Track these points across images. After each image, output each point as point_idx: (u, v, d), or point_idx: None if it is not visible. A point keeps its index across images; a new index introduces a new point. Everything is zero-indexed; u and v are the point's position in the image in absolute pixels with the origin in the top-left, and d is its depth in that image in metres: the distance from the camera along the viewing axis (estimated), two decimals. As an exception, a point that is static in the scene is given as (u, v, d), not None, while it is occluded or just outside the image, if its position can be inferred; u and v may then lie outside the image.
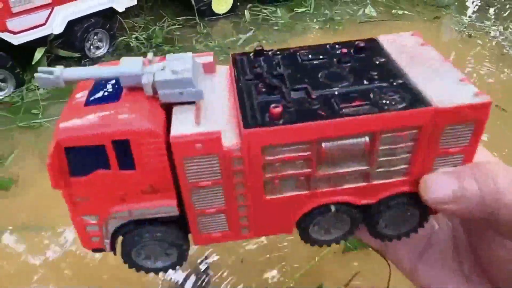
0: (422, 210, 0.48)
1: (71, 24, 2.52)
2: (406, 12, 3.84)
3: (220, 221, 0.49)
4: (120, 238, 0.51)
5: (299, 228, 0.49)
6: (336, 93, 0.41)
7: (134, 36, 2.94)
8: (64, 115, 0.43)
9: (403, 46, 0.48)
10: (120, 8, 2.77)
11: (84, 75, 0.45)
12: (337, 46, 0.47)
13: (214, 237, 0.49)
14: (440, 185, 0.41)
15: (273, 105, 0.41)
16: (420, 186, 0.43)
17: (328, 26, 3.50)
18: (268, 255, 1.50)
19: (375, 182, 0.45)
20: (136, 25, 3.05)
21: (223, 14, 3.44)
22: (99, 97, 0.45)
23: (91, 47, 2.72)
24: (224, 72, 0.51)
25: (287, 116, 0.40)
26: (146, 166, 0.43)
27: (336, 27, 3.49)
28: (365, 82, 0.42)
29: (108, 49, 2.81)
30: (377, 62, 0.45)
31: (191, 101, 0.44)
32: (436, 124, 0.40)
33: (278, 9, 3.63)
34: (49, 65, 2.55)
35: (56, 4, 2.39)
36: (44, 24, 2.39)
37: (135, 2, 2.88)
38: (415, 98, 0.40)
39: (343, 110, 0.40)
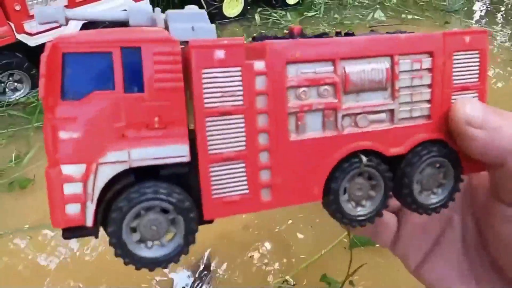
0: (456, 166, 0.44)
1: (86, 26, 2.56)
2: (415, 17, 3.86)
3: (239, 175, 0.38)
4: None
5: (329, 196, 0.41)
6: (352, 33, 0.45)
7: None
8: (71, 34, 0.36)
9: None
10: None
11: (87, 15, 0.39)
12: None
13: (230, 205, 0.38)
14: (476, 106, 0.40)
15: (292, 25, 0.39)
16: (456, 105, 0.41)
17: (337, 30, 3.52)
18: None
19: (401, 125, 0.42)
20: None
21: (233, 17, 3.47)
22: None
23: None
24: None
25: (307, 36, 0.40)
26: (156, 85, 0.35)
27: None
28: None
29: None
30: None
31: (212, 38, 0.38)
32: (445, 50, 0.41)
33: (287, 13, 3.66)
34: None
35: (72, 6, 2.43)
36: (59, 26, 2.42)
37: (148, 3, 2.92)
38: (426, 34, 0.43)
39: (361, 35, 0.41)
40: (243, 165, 0.38)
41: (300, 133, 0.39)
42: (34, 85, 2.40)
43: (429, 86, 0.42)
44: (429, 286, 0.50)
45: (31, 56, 2.39)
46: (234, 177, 0.38)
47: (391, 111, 0.42)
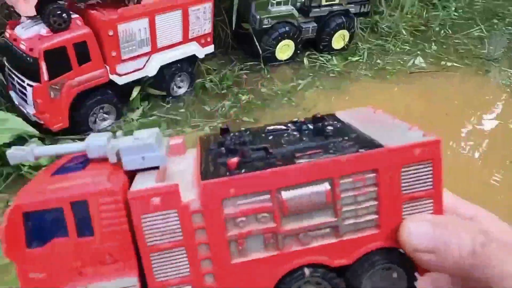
0: (407, 269, 0.44)
1: (162, 68, 3.03)
2: (455, 64, 4.10)
3: None
4: None
5: None
6: (294, 148, 0.43)
7: (209, 78, 3.41)
8: (29, 185, 0.43)
9: (357, 114, 0.51)
10: (201, 55, 3.27)
11: (53, 150, 0.47)
12: (298, 120, 0.50)
13: None
14: (422, 229, 0.40)
15: (230, 159, 0.42)
16: (400, 231, 0.41)
17: (379, 75, 3.82)
18: None
19: (346, 237, 0.43)
20: (210, 68, 3.54)
21: (284, 60, 3.87)
22: (65, 168, 0.45)
23: (174, 86, 3.21)
24: (193, 153, 0.50)
25: (245, 168, 0.41)
26: (104, 230, 0.41)
27: (388, 76, 3.80)
28: (321, 140, 0.45)
29: (187, 89, 3.30)
30: (333, 126, 0.48)
31: (154, 166, 0.43)
32: (392, 166, 0.41)
33: (333, 57, 4.01)
34: (141, 100, 3.07)
35: (153, 52, 2.91)
36: (142, 68, 2.90)
37: (213, 50, 3.38)
38: (368, 144, 0.42)
39: (299, 159, 0.41)
40: (190, 287, 0.43)
41: (242, 256, 0.43)
42: (118, 116, 2.87)
43: (376, 199, 0.43)
44: None
45: (118, 92, 2.87)
46: None
47: (335, 227, 0.43)
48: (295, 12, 3.72)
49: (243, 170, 0.41)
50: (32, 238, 0.41)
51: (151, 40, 2.85)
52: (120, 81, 2.80)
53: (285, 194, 0.41)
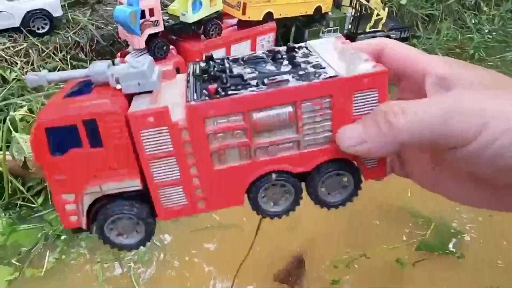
0: (354, 175, 0.57)
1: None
2: None
3: (178, 194, 0.55)
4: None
5: (250, 199, 0.57)
6: (266, 75, 0.53)
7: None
8: (47, 106, 0.53)
9: (326, 45, 0.60)
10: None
11: (62, 75, 0.56)
12: (275, 49, 0.59)
13: (175, 211, 0.56)
14: (348, 131, 0.49)
15: (210, 85, 0.51)
16: (336, 139, 0.51)
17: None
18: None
19: (306, 150, 0.54)
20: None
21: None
22: (75, 91, 0.55)
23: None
24: (182, 78, 0.59)
25: (223, 93, 0.50)
26: (111, 144, 0.51)
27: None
28: (290, 68, 0.54)
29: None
30: (303, 55, 0.57)
31: (148, 90, 0.53)
32: (344, 92, 0.50)
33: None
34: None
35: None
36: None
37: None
38: (326, 74, 0.51)
39: (268, 84, 0.50)
40: (181, 187, 0.54)
41: (222, 163, 0.54)
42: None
43: (330, 120, 0.52)
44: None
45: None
46: (175, 195, 0.55)
47: (297, 142, 0.54)
48: (344, 40, 4.20)
49: (221, 93, 0.50)
50: (53, 148, 0.51)
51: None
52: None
53: (256, 115, 0.51)
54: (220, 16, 3.26)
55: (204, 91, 0.50)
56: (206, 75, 0.54)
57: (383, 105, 0.46)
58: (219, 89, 0.50)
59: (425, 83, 0.46)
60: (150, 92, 0.52)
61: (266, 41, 3.61)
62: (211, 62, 0.57)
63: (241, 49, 3.44)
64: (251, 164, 0.54)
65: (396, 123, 0.42)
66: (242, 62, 0.57)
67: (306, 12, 3.86)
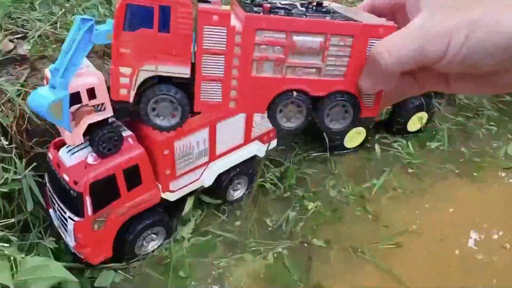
0: (355, 109, 0.67)
1: (219, 174, 2.63)
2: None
3: (217, 91, 0.66)
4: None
5: (269, 111, 0.66)
6: (303, 13, 0.64)
7: (268, 177, 2.97)
8: None
9: (343, 8, 0.73)
10: (262, 153, 2.84)
11: None
12: (305, 2, 0.70)
13: (209, 105, 0.65)
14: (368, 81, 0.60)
15: (265, 3, 0.63)
16: (359, 82, 0.61)
17: (466, 170, 3.23)
18: None
19: (324, 78, 0.65)
20: (269, 163, 3.10)
21: (353, 147, 3.39)
22: None
23: (231, 190, 2.79)
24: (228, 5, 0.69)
25: (274, 12, 0.62)
26: (176, 32, 0.60)
27: (475, 173, 3.22)
28: (321, 14, 0.65)
29: (245, 191, 2.88)
30: (330, 9, 0.68)
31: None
32: (364, 35, 0.60)
33: (408, 143, 3.48)
34: (193, 208, 2.66)
35: (210, 161, 2.51)
36: (198, 179, 2.51)
37: (275, 144, 2.95)
38: (351, 20, 0.63)
39: (309, 16, 0.63)
40: (220, 85, 0.64)
41: (258, 72, 0.63)
42: (168, 235, 2.47)
43: (348, 56, 0.63)
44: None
45: (170, 206, 2.49)
46: (214, 91, 0.64)
47: (319, 69, 0.65)
48: (369, 96, 3.25)
49: (272, 13, 0.62)
50: (127, 23, 0.60)
51: (210, 150, 2.46)
52: (173, 197, 2.42)
53: (296, 37, 0.64)
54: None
55: (260, 8, 0.64)
56: (255, 4, 0.66)
57: (372, 48, 0.56)
58: (272, 9, 0.63)
59: (406, 6, 0.56)
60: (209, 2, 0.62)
61: (267, 111, 2.65)
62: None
63: (231, 126, 2.49)
64: (280, 79, 0.66)
65: (384, 64, 0.52)
66: (279, 4, 0.68)
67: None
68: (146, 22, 0.61)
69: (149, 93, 0.65)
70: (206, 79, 0.64)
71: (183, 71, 0.63)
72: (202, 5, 0.60)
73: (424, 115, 3.54)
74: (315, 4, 0.70)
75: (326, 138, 3.20)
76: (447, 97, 4.05)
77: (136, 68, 0.63)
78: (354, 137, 3.32)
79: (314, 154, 3.28)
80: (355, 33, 0.62)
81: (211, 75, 0.64)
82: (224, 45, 0.62)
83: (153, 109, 0.66)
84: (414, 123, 3.57)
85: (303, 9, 0.68)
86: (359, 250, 2.54)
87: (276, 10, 0.64)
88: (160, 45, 0.62)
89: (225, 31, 0.61)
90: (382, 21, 0.62)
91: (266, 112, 0.67)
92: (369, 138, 3.42)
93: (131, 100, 0.65)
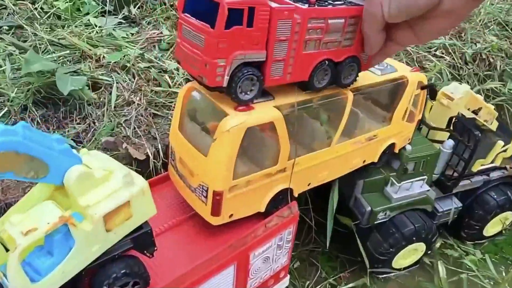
0: (358, 66, 1.25)
1: None
2: None
3: (280, 68, 1.07)
4: None
5: (310, 78, 1.16)
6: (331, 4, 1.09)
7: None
8: None
9: None
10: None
11: None
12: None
13: (275, 79, 1.08)
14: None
15: None
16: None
17: None
18: None
19: (342, 47, 1.15)
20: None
21: (403, 268, 2.26)
22: None
23: None
24: None
25: (317, 5, 1.04)
26: (258, 26, 0.95)
27: None
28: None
29: None
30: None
31: None
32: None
33: (486, 256, 2.34)
34: None
35: None
36: None
37: (287, 283, 1.84)
38: (358, 5, 1.08)
39: (337, 5, 1.08)
40: (282, 63, 1.06)
41: (306, 50, 1.09)
42: None
43: (356, 31, 1.12)
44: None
45: None
46: (278, 69, 1.06)
47: (340, 42, 1.13)
48: (432, 194, 2.12)
49: (316, 5, 1.04)
50: (228, 23, 0.90)
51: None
52: None
53: (330, 21, 1.05)
54: (145, 239, 1.25)
55: (306, 1, 1.04)
56: None
57: (370, 3, 0.86)
58: (315, 3, 1.04)
59: None
60: None
61: (274, 248, 1.56)
62: None
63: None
64: (318, 52, 1.11)
65: (387, 12, 0.82)
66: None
67: (364, 162, 1.79)
68: (238, 21, 0.93)
69: (239, 74, 1.02)
70: (274, 60, 1.04)
71: (261, 56, 1.02)
72: (274, 4, 0.96)
73: (509, 215, 2.40)
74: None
75: (365, 258, 2.08)
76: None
77: (229, 59, 0.97)
78: (410, 254, 2.19)
79: (346, 271, 2.16)
80: (360, 14, 1.02)
81: (278, 57, 1.04)
82: (289, 33, 1.01)
83: (239, 87, 1.04)
84: (494, 226, 2.43)
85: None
86: None
87: (319, 2, 1.07)
88: (247, 38, 0.96)
89: (290, 22, 1.00)
90: None
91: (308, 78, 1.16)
92: (430, 251, 2.28)
93: (225, 84, 1.01)
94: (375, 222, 2.02)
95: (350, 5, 1.11)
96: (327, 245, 1.90)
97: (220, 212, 1.29)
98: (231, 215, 1.34)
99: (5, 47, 2.11)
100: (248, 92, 1.10)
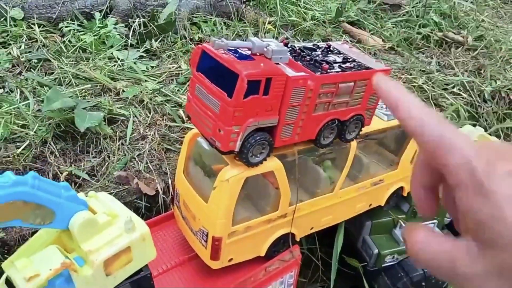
0: (362, 123, 1.32)
1: None
2: None
3: (289, 130, 1.12)
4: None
5: (317, 136, 1.21)
6: (342, 63, 1.19)
7: None
8: (240, 64, 0.95)
9: (342, 47, 1.28)
10: None
11: (235, 44, 1.04)
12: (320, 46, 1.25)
13: (283, 140, 1.13)
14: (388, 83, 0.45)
15: (324, 64, 1.09)
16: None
17: None
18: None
19: (350, 108, 1.21)
20: None
21: (414, 312, 2.19)
22: (241, 56, 0.97)
23: None
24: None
25: (328, 72, 1.10)
26: (273, 94, 0.99)
27: None
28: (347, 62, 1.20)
29: None
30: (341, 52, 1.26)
31: (286, 62, 1.06)
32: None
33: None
34: None
35: None
36: None
37: None
38: (366, 67, 1.18)
39: (346, 69, 1.14)
40: (292, 126, 1.12)
41: (315, 112, 1.14)
42: None
43: (364, 91, 1.21)
44: None
45: None
46: (288, 131, 1.12)
47: (348, 102, 1.19)
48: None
49: (328, 72, 1.10)
50: (245, 93, 0.94)
51: None
52: None
53: (340, 85, 1.11)
54: (144, 282, 1.29)
55: (319, 68, 1.09)
56: (307, 58, 1.14)
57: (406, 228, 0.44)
58: (328, 69, 1.09)
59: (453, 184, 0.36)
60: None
61: (286, 282, 1.56)
62: (298, 49, 1.18)
63: None
64: (327, 113, 1.16)
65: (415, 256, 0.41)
66: (308, 51, 1.18)
67: (370, 205, 1.79)
68: (255, 90, 0.97)
69: (251, 140, 1.05)
70: (285, 124, 1.09)
71: (274, 121, 1.07)
72: (292, 74, 1.03)
73: None
74: (328, 47, 1.26)
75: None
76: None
77: (243, 125, 1.01)
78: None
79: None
80: (369, 77, 1.14)
81: (289, 120, 1.09)
82: (302, 99, 1.07)
83: (251, 152, 1.08)
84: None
85: (320, 53, 1.22)
86: None
87: (331, 68, 1.12)
88: (262, 105, 1.00)
89: (304, 89, 1.05)
90: (381, 65, 1.23)
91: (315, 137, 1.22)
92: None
93: (237, 149, 1.05)
94: (383, 265, 1.99)
95: (360, 68, 1.17)
96: (331, 286, 1.89)
97: (219, 256, 1.31)
98: (230, 259, 1.36)
99: (32, 81, 2.25)
100: (258, 155, 1.12)
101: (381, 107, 1.60)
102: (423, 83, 2.88)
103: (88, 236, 1.07)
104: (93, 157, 1.90)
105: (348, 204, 1.63)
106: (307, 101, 1.09)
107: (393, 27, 3.63)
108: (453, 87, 2.96)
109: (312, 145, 1.31)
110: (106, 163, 1.88)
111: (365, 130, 1.45)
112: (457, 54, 3.38)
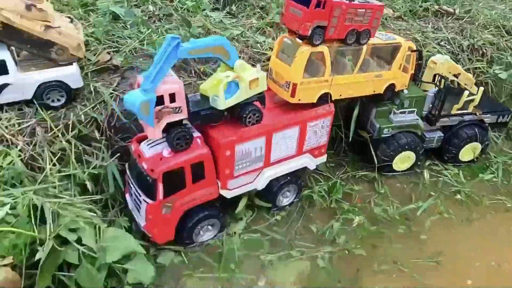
0: (369, 35, 2.99)
1: (271, 180, 2.89)
2: None
3: (332, 30, 2.66)
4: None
5: (345, 37, 2.81)
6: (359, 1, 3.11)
7: (317, 187, 3.19)
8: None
9: None
10: (312, 167, 3.08)
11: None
12: None
13: (329, 36, 2.67)
14: None
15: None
16: None
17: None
18: None
19: (363, 24, 2.81)
20: (318, 177, 3.31)
21: (402, 171, 3.50)
22: None
23: (281, 197, 3.04)
24: None
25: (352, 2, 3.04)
26: (327, 8, 2.56)
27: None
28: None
29: (294, 199, 3.11)
30: None
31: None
32: (379, 9, 2.99)
33: (460, 172, 3.52)
34: (246, 209, 2.94)
35: (265, 166, 2.80)
36: (251, 182, 2.80)
37: (325, 159, 3.17)
38: (371, 3, 3.12)
39: (361, 1, 3.13)
40: (334, 28, 2.70)
41: (346, 23, 2.70)
42: (221, 229, 2.77)
43: (370, 18, 2.98)
44: None
45: (226, 203, 2.80)
46: (331, 30, 2.65)
47: (361, 20, 2.81)
48: (420, 123, 3.37)
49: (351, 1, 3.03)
50: (314, 7, 2.62)
51: (265, 157, 2.75)
52: (229, 195, 2.74)
53: (358, 10, 2.82)
54: (263, 98, 2.63)
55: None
56: None
57: None
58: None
59: None
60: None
61: (319, 127, 2.90)
62: None
63: (285, 138, 2.77)
64: (350, 25, 2.75)
65: None
66: None
67: (374, 91, 3.10)
68: (320, 5, 2.56)
69: (316, 30, 2.58)
70: (331, 26, 2.66)
71: (325, 23, 2.61)
72: (336, 0, 2.54)
73: (477, 146, 3.56)
74: None
75: (375, 159, 3.36)
76: (505, 131, 4.02)
77: (313, 23, 2.61)
78: (403, 160, 3.43)
79: (362, 173, 3.44)
80: (372, 8, 2.70)
81: (332, 24, 2.67)
82: (339, 14, 2.68)
83: (314, 37, 2.71)
84: (467, 153, 3.60)
85: None
86: (399, 263, 2.65)
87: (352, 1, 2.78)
88: (321, 14, 2.53)
89: (340, 8, 2.68)
90: (378, 3, 2.82)
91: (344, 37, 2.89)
92: (419, 163, 3.52)
93: (309, 34, 2.66)
94: (382, 136, 3.30)
95: (368, 3, 2.71)
96: (350, 138, 3.24)
97: (295, 95, 2.68)
98: (299, 99, 2.72)
99: (163, 26, 3.66)
100: (319, 39, 2.60)
101: (381, 33, 2.96)
102: (419, 37, 4.13)
103: (242, 70, 2.44)
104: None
105: (361, 85, 2.96)
106: (341, 15, 2.53)
107: (402, 1, 4.88)
108: (440, 41, 4.21)
109: (343, 44, 2.67)
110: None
111: (370, 42, 2.79)
112: (448, 21, 4.61)
